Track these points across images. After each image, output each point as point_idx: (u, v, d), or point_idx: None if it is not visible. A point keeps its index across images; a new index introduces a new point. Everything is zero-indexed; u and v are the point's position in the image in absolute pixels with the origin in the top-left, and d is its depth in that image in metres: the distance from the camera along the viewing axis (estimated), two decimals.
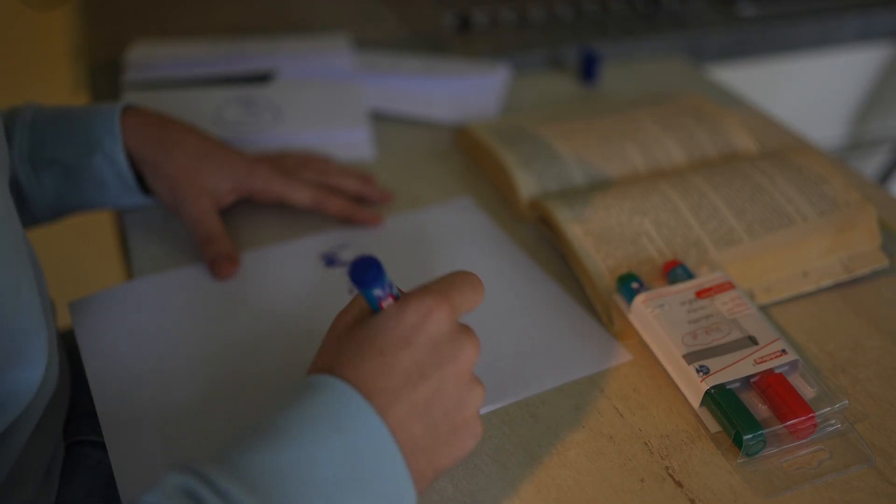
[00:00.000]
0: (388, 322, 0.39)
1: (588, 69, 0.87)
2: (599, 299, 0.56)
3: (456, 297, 0.40)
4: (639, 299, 0.53)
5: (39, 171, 0.58)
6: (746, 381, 0.49)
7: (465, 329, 0.41)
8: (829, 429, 0.47)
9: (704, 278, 0.54)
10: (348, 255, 0.62)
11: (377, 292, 0.40)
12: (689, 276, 0.55)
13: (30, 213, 0.60)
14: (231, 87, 0.80)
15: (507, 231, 0.65)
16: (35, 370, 0.43)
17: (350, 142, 0.75)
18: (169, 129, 0.61)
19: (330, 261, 0.61)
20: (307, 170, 0.66)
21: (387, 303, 0.40)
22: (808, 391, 0.49)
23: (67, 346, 0.61)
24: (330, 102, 0.79)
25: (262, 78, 0.83)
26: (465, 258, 0.62)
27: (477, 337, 0.41)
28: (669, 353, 0.50)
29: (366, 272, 0.39)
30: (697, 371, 0.48)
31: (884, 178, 1.24)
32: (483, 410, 0.49)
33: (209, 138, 0.63)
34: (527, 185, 0.66)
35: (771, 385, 0.48)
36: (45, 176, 0.58)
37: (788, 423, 0.46)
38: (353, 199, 0.66)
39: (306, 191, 0.63)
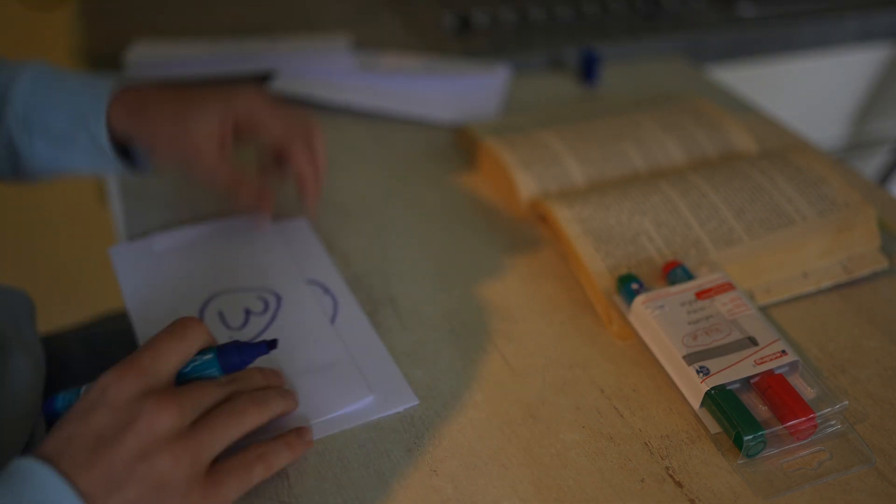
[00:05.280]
0: (78, 403, 0.40)
1: (588, 69, 0.87)
2: (599, 299, 0.56)
3: (145, 360, 0.41)
4: (639, 300, 0.53)
5: (32, 135, 0.58)
6: (746, 382, 0.49)
7: (154, 394, 0.40)
8: (830, 429, 0.47)
9: (704, 279, 0.54)
10: None
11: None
12: (689, 276, 0.55)
13: (25, 172, 0.61)
14: None
15: (506, 231, 0.65)
16: None
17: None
18: (149, 105, 0.59)
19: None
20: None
21: None
22: (808, 392, 0.49)
23: (50, 351, 0.60)
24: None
25: (262, 78, 0.83)
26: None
27: (172, 400, 0.40)
28: (669, 354, 0.50)
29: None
30: (698, 372, 0.48)
31: (884, 178, 1.24)
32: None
33: (186, 92, 0.59)
34: (527, 185, 0.66)
35: (771, 386, 0.48)
36: (36, 140, 0.58)
37: (789, 423, 0.46)
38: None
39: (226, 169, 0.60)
